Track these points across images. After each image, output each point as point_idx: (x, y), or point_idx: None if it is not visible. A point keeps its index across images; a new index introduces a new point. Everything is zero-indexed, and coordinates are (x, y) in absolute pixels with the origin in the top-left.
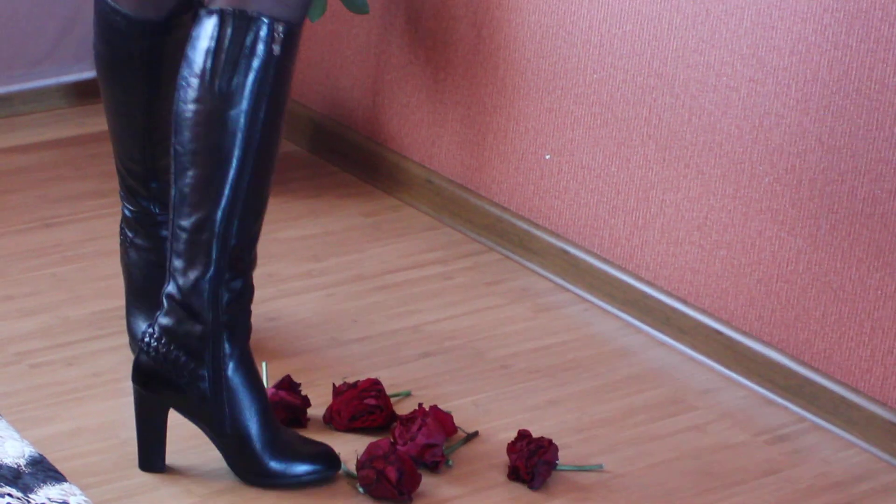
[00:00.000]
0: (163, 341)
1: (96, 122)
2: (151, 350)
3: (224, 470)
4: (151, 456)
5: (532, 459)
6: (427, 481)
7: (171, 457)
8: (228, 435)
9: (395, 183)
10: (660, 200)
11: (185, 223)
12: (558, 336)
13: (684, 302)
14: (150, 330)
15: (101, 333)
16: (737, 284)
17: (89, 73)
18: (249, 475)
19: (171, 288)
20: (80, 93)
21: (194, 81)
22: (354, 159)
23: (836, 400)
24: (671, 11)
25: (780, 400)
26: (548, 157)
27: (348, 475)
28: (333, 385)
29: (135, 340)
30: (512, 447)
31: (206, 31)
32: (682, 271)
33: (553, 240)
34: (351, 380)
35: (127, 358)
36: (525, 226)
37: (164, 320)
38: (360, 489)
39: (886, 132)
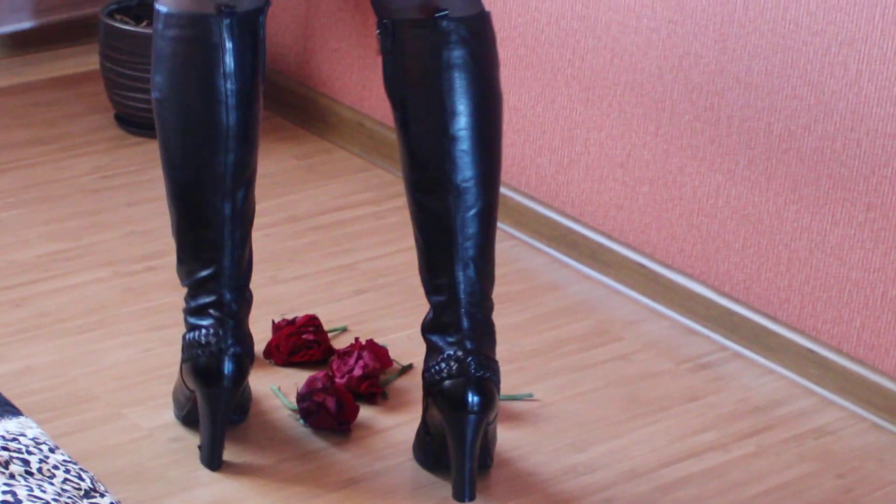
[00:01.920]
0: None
1: (32, 70)
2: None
3: (167, 405)
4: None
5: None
6: (364, 412)
7: (116, 394)
8: None
9: (327, 126)
10: (584, 139)
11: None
12: None
13: (609, 237)
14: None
15: (46, 275)
16: (659, 219)
17: (25, 24)
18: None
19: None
20: (17, 42)
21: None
22: (287, 104)
23: (756, 328)
24: None
25: (701, 329)
26: None
27: (289, 408)
28: (273, 321)
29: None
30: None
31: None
32: (607, 207)
33: None
34: (289, 316)
35: (72, 298)
36: None
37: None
38: (301, 421)
39: (800, 70)
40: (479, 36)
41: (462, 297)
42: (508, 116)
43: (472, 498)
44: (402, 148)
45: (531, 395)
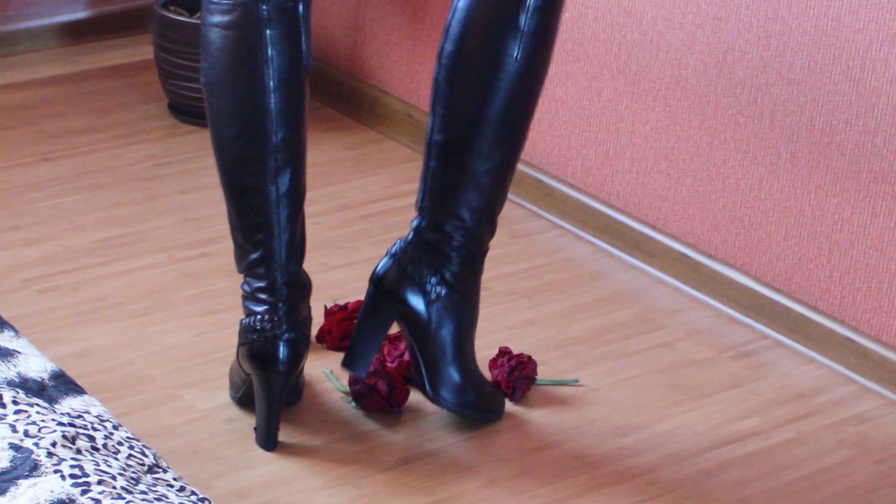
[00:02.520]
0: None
1: (88, 60)
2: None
3: (222, 387)
4: (357, 355)
5: (513, 374)
6: (414, 395)
7: (172, 376)
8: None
9: (377, 117)
10: (629, 132)
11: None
12: (534, 260)
13: (653, 227)
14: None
15: (102, 260)
16: (702, 210)
17: (80, 13)
18: (441, 387)
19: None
20: (72, 32)
21: None
22: (337, 95)
23: (797, 318)
24: None
25: (743, 318)
26: None
27: (341, 391)
28: (325, 307)
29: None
30: (493, 363)
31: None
32: (651, 198)
33: (528, 170)
34: (341, 302)
35: (128, 283)
36: None
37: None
38: (353, 403)
39: (842, 66)
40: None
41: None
42: (556, 109)
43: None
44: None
45: (577, 381)
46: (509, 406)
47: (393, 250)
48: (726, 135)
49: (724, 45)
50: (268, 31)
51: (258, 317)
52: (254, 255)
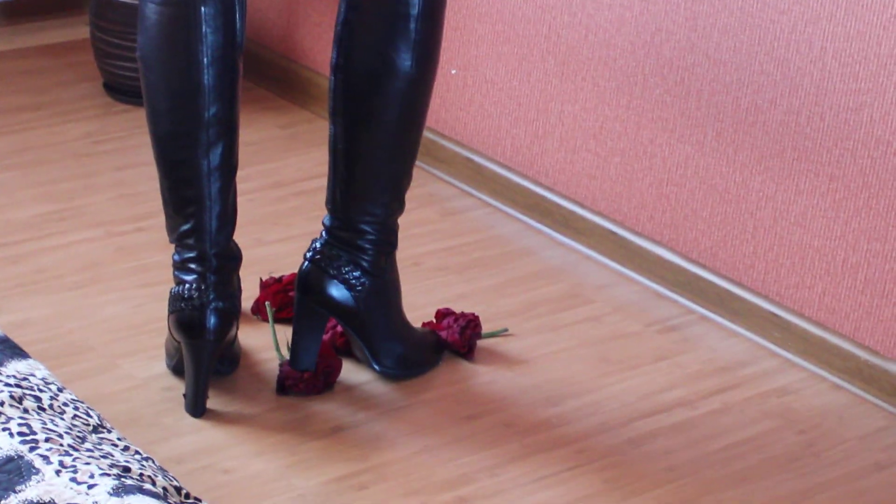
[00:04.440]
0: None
1: (24, 39)
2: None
3: (158, 357)
4: (302, 354)
5: (465, 333)
6: (346, 365)
7: (110, 346)
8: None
9: (309, 97)
10: (558, 111)
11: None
12: (465, 237)
13: (581, 205)
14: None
15: (40, 234)
16: (630, 188)
17: None
18: (386, 360)
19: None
20: (8, 11)
21: None
22: (270, 76)
23: (722, 293)
24: None
25: (669, 294)
26: (454, 72)
27: (281, 358)
28: (260, 279)
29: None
30: (438, 326)
31: None
32: (580, 177)
33: (459, 149)
34: (276, 275)
35: (66, 256)
36: (432, 136)
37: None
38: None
39: (767, 47)
40: (434, 6)
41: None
42: (486, 89)
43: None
44: (339, 92)
45: (506, 330)
46: (447, 370)
47: (309, 254)
48: (654, 114)
49: (651, 26)
50: (203, 8)
51: (187, 286)
52: (184, 227)
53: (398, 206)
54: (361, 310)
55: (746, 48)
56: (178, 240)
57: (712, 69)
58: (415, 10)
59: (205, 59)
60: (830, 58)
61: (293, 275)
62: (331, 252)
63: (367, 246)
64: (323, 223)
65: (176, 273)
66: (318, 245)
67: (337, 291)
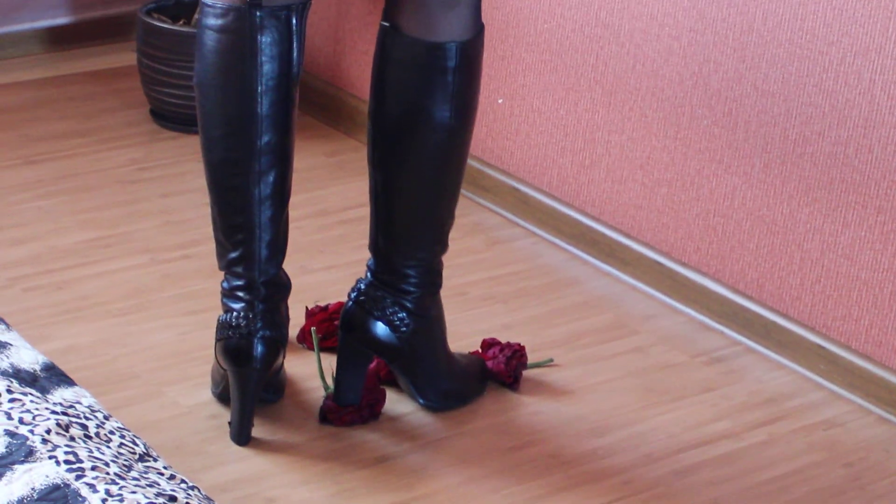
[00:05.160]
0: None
1: (71, 65)
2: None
3: (204, 385)
4: (346, 391)
5: (511, 363)
6: (391, 394)
7: (156, 374)
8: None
9: (356, 125)
10: (605, 141)
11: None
12: (510, 267)
13: (627, 235)
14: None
15: (86, 261)
16: (676, 219)
17: (62, 19)
18: (430, 394)
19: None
20: (55, 38)
21: None
22: (317, 103)
23: (768, 325)
24: None
25: (716, 325)
26: (500, 101)
27: (326, 388)
28: (306, 308)
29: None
30: (484, 355)
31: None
32: (626, 207)
33: (505, 178)
34: (322, 303)
35: (111, 283)
36: (478, 165)
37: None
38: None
39: (816, 79)
40: (470, 57)
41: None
42: (533, 118)
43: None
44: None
45: (551, 361)
46: (493, 400)
47: (354, 294)
48: (701, 145)
49: (699, 57)
50: (259, 37)
51: (235, 314)
52: (233, 254)
53: (441, 248)
54: (406, 349)
55: (795, 80)
56: (227, 267)
57: (760, 100)
58: (452, 63)
59: (259, 88)
60: (879, 90)
61: (339, 303)
62: (375, 293)
63: (412, 289)
64: (367, 265)
65: (224, 301)
66: (362, 286)
67: (381, 332)
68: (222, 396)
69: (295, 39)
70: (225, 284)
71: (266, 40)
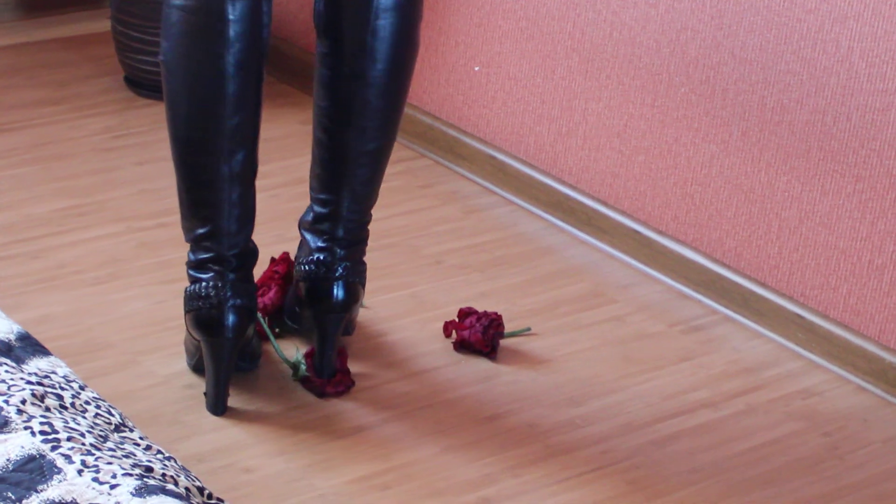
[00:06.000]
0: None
1: (44, 32)
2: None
3: (180, 354)
4: (330, 364)
5: (488, 332)
6: (367, 365)
7: (132, 343)
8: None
9: None
10: (582, 109)
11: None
12: (487, 235)
13: (605, 203)
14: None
15: (61, 229)
16: (654, 187)
17: None
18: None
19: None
20: (27, 5)
21: None
22: (291, 71)
23: (746, 294)
24: None
25: (693, 294)
26: (477, 69)
27: (297, 372)
28: (272, 258)
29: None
30: (460, 325)
31: None
32: (603, 175)
33: (481, 146)
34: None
35: (86, 251)
36: (455, 133)
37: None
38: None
39: (793, 46)
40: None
41: (343, 214)
42: (509, 86)
43: (331, 375)
44: (321, 77)
45: (529, 329)
46: (470, 370)
47: (312, 269)
48: (678, 113)
49: (677, 25)
50: (229, 17)
51: (204, 283)
52: (201, 230)
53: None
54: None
55: (773, 47)
56: (195, 241)
57: (738, 68)
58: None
59: (229, 69)
60: (857, 57)
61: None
62: (328, 258)
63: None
64: (313, 230)
65: (191, 272)
66: (320, 257)
67: (342, 290)
68: (197, 368)
69: (264, 17)
70: (192, 256)
71: (235, 20)
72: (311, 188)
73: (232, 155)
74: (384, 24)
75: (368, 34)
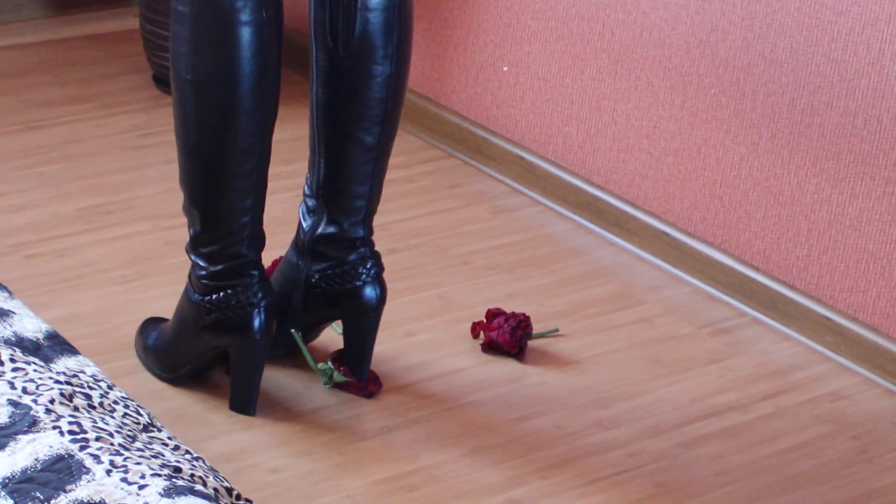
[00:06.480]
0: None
1: (72, 30)
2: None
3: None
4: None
5: (516, 333)
6: (396, 366)
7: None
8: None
9: None
10: (611, 110)
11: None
12: (515, 235)
13: (633, 205)
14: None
15: (88, 227)
16: (683, 188)
17: None
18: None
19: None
20: (56, 3)
21: None
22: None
23: (774, 296)
24: None
25: (722, 296)
26: (505, 69)
27: (328, 381)
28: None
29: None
30: (488, 326)
31: None
32: (632, 176)
33: (510, 146)
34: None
35: (114, 250)
36: (483, 133)
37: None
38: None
39: (825, 48)
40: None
41: (356, 211)
42: (538, 86)
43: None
44: (332, 83)
45: (557, 331)
46: (498, 371)
47: (339, 274)
48: (708, 114)
49: (707, 26)
50: (243, 18)
51: (231, 290)
52: (215, 247)
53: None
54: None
55: (803, 49)
56: (210, 257)
57: (768, 70)
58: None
59: (246, 86)
60: (889, 60)
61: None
62: (351, 264)
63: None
64: (321, 235)
65: (210, 282)
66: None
67: (370, 292)
68: (191, 375)
69: (280, 28)
70: (208, 265)
71: (251, 36)
72: (319, 194)
73: (250, 170)
74: (375, 17)
75: (361, 26)
